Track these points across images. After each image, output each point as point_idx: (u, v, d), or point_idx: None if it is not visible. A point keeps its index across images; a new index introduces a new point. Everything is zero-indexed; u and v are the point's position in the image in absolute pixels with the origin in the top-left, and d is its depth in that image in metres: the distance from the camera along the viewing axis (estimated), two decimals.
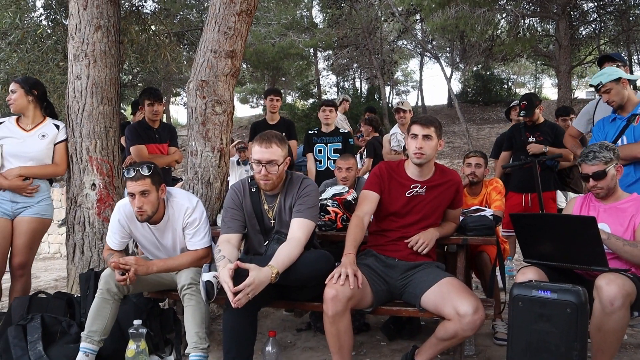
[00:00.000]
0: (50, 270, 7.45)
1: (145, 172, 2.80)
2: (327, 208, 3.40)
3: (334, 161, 5.24)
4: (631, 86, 3.55)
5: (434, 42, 24.18)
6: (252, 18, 3.70)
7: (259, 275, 2.38)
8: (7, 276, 3.56)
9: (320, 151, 5.34)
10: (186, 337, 2.77)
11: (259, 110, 29.62)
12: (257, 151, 2.70)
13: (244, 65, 19.21)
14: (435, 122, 2.83)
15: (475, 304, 2.37)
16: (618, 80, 3.42)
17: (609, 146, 2.90)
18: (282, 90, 26.98)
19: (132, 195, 2.82)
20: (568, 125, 5.17)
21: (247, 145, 6.90)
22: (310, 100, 24.09)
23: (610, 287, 2.35)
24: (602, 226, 2.79)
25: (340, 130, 5.46)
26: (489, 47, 17.03)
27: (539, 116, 4.78)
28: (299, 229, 2.68)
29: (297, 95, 26.27)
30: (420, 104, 25.04)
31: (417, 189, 2.85)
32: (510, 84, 27.56)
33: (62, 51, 5.28)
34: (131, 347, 2.63)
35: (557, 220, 2.77)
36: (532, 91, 31.68)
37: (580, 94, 28.47)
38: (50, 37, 5.18)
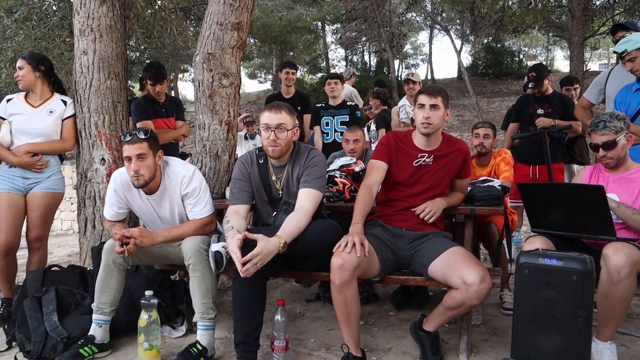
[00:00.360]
0: (64, 247, 7.57)
1: (142, 135, 2.81)
2: (335, 179, 3.41)
3: (341, 133, 5.24)
4: None
5: (444, 14, 23.76)
6: None
7: (267, 245, 2.40)
8: (22, 252, 3.63)
9: (327, 124, 5.33)
10: (193, 307, 2.81)
11: (267, 86, 29.47)
12: (267, 117, 2.72)
13: (252, 40, 19.05)
14: (442, 92, 2.82)
15: (482, 273, 2.38)
16: None
17: (620, 115, 2.86)
18: None
19: (128, 159, 2.80)
20: (572, 95, 5.13)
21: (254, 119, 6.89)
22: (319, 75, 23.92)
23: (617, 256, 2.35)
24: (611, 196, 2.78)
25: (348, 103, 5.44)
26: (500, 18, 16.72)
27: (548, 87, 4.72)
28: (307, 199, 2.70)
29: (305, 69, 26.08)
30: (429, 77, 24.78)
31: (424, 159, 2.85)
32: (521, 57, 27.11)
33: (68, 27, 5.26)
34: (143, 317, 2.68)
35: (565, 190, 2.76)
36: (544, 64, 31.24)
37: (593, 66, 28.05)
38: (55, 14, 5.16)
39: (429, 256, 2.64)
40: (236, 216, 2.73)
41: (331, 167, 3.48)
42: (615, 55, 3.58)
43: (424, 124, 2.77)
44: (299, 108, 5.55)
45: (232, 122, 3.72)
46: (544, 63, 31.48)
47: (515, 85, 20.78)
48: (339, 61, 28.13)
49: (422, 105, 2.77)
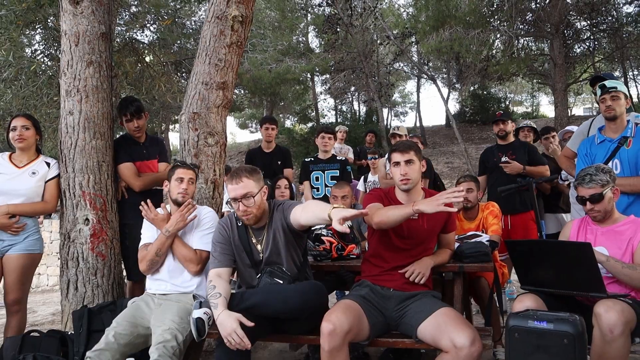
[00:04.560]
0: (48, 304, 7.39)
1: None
2: (322, 238, 3.38)
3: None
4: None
5: (430, 64, 24.37)
6: (242, 49, 3.73)
7: None
8: (2, 311, 3.51)
9: (317, 179, 5.33)
10: None
11: (258, 135, 29.70)
12: (230, 189, 2.73)
13: (242, 91, 19.34)
14: (414, 146, 2.85)
15: (472, 336, 2.32)
16: (627, 96, 3.48)
17: (605, 169, 2.88)
18: (280, 115, 27.22)
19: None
20: (551, 143, 5.22)
21: None
22: (309, 124, 24.21)
23: (609, 314, 2.31)
24: (600, 249, 2.77)
25: (338, 158, 5.46)
26: (485, 67, 17.17)
27: (511, 134, 4.93)
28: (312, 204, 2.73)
29: (295, 119, 26.41)
30: (418, 124, 25.13)
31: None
32: (507, 103, 27.71)
33: (57, 86, 5.30)
34: None
35: (552, 247, 2.74)
36: (530, 109, 31.90)
37: (577, 110, 28.63)
38: (44, 73, 5.21)
39: (418, 317, 2.58)
40: (220, 280, 2.69)
41: (318, 225, 3.44)
42: (595, 95, 3.66)
43: (403, 180, 2.78)
44: (279, 162, 5.55)
45: (218, 180, 3.71)
46: (530, 109, 32.17)
47: None
48: (328, 110, 28.58)
49: (398, 163, 2.79)
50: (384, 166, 5.88)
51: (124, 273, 3.95)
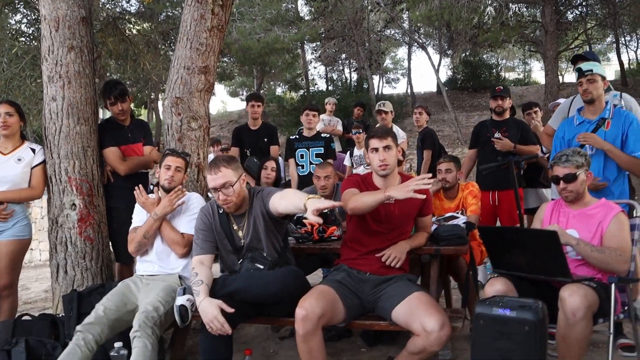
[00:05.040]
0: (41, 280, 7.50)
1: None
2: (304, 220, 3.46)
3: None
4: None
5: (421, 31, 24.13)
6: (223, 33, 3.74)
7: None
8: None
9: (302, 156, 5.39)
10: None
11: None
12: (210, 180, 2.80)
13: (231, 59, 19.12)
14: (390, 132, 2.92)
15: (441, 320, 2.44)
16: (603, 78, 3.49)
17: (582, 152, 2.98)
18: (270, 82, 26.96)
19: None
20: (533, 118, 5.30)
21: (229, 146, 6.95)
22: (300, 92, 24.07)
23: (572, 298, 2.43)
24: (571, 232, 2.87)
25: (322, 135, 5.52)
26: (475, 35, 17.05)
27: (507, 111, 4.91)
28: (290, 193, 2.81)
29: (285, 87, 26.22)
30: (409, 91, 25.05)
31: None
32: (499, 69, 27.56)
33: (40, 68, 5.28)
34: None
35: (521, 234, 2.86)
36: (521, 75, 31.75)
37: (569, 77, 28.55)
38: (27, 53, 5.16)
39: (392, 301, 2.69)
40: (202, 267, 2.79)
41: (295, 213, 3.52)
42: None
43: (381, 166, 2.85)
44: (265, 140, 5.61)
45: (202, 164, 3.77)
46: (521, 75, 32.01)
47: None
48: (319, 78, 28.36)
49: (376, 149, 2.86)
50: None
51: (113, 256, 4.03)
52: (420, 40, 21.42)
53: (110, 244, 3.95)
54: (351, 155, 6.52)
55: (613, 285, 2.61)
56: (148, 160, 4.12)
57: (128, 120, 4.10)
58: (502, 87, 4.92)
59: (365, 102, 11.08)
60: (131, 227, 3.33)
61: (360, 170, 6.07)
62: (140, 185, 3.32)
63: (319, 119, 5.58)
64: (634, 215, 3.01)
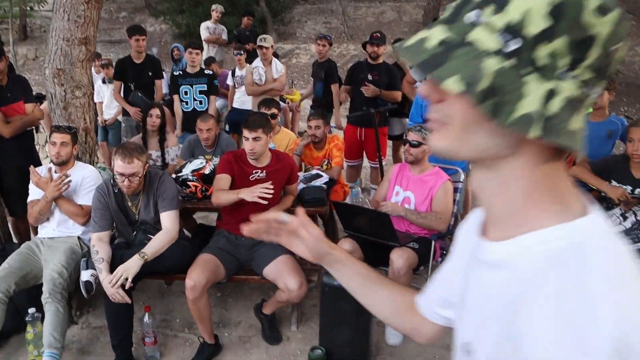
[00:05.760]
0: None
1: None
2: (188, 182, 3.94)
3: (200, 102, 5.66)
4: None
5: None
6: (101, 4, 3.80)
7: (126, 265, 3.07)
8: None
9: (186, 93, 5.63)
10: (43, 338, 3.14)
11: None
12: (120, 166, 3.14)
13: None
14: (263, 122, 3.40)
15: (299, 281, 3.18)
16: None
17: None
18: None
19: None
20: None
21: (110, 61, 6.93)
22: None
23: (399, 260, 3.25)
24: (408, 194, 3.67)
25: (205, 72, 5.75)
26: None
27: (382, 56, 5.41)
28: (168, 221, 3.32)
29: None
30: None
31: (258, 174, 3.49)
32: None
33: None
34: (30, 330, 3.19)
35: (364, 212, 3.63)
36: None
37: None
38: None
39: (264, 261, 3.37)
40: (101, 244, 3.25)
41: (184, 171, 3.96)
42: None
43: (250, 153, 3.41)
44: (150, 74, 5.76)
45: (89, 127, 4.02)
46: None
47: None
48: None
49: (247, 138, 3.37)
50: (251, 74, 6.24)
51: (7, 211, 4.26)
52: None
53: (2, 201, 4.17)
54: (233, 75, 6.84)
55: (433, 242, 3.48)
56: (32, 119, 4.22)
57: (5, 79, 4.04)
58: (379, 35, 5.35)
59: (253, 11, 10.99)
60: (29, 199, 3.61)
61: (242, 90, 6.48)
62: (31, 166, 3.55)
63: (201, 57, 5.77)
64: (459, 180, 3.86)
